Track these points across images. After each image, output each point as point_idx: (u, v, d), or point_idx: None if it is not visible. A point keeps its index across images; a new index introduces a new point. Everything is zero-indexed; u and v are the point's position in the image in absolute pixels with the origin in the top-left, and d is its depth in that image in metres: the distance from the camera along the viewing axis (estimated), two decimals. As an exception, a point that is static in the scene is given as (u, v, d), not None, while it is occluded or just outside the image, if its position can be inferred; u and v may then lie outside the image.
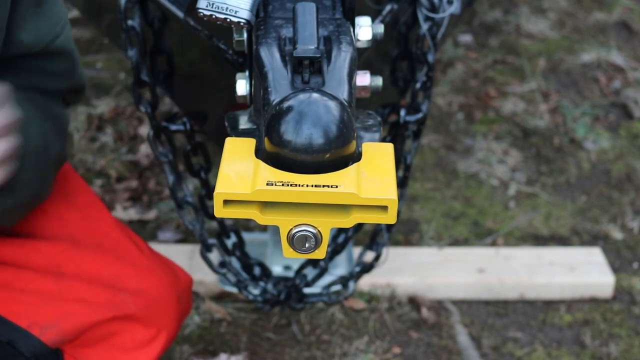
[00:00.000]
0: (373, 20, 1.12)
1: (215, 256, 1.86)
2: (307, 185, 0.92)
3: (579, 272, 2.18)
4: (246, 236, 1.90)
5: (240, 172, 0.95)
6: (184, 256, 2.13)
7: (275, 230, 2.06)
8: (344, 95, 0.98)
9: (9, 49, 1.19)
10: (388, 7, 1.58)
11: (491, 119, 2.78)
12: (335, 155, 0.93)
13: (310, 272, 1.84)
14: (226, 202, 0.93)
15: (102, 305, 1.31)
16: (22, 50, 1.20)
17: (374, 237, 1.82)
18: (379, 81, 1.10)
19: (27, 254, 1.33)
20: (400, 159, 1.70)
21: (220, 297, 2.11)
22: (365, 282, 2.12)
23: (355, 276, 1.87)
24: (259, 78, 1.02)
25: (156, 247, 2.11)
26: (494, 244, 2.31)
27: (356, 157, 0.97)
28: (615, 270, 2.25)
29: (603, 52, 3.09)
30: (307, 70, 0.99)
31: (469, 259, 2.20)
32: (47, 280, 1.31)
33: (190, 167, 1.65)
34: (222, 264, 1.78)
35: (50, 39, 1.22)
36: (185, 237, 2.29)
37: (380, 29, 1.12)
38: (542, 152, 2.65)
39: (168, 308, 1.38)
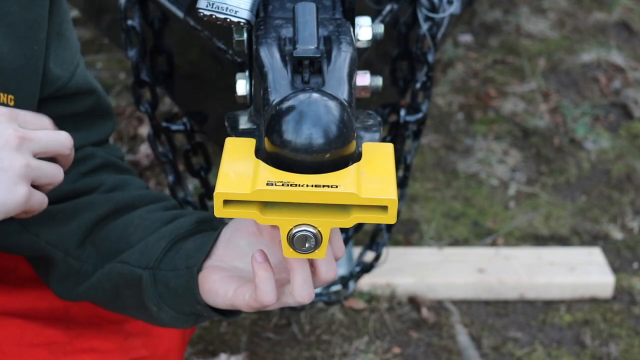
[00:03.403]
0: (373, 20, 1.12)
1: (215, 256, 1.86)
2: (307, 185, 0.92)
3: (579, 272, 2.18)
4: (246, 236, 1.89)
5: (240, 172, 0.95)
6: (184, 256, 2.13)
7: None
8: (344, 95, 0.98)
9: (44, 87, 1.16)
10: (388, 7, 1.58)
11: (491, 119, 2.78)
12: (335, 155, 0.93)
13: (310, 272, 1.83)
14: (226, 202, 0.93)
15: (112, 352, 1.28)
16: (53, 84, 1.17)
17: (374, 237, 1.82)
18: (379, 81, 1.10)
19: (33, 302, 1.28)
20: (400, 159, 1.70)
21: (220, 297, 2.11)
22: (365, 282, 2.12)
23: (355, 276, 1.87)
24: (258, 78, 1.02)
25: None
26: (494, 244, 2.31)
27: (356, 157, 0.97)
28: (615, 270, 2.25)
29: (603, 52, 3.09)
30: (307, 70, 0.99)
31: (469, 259, 2.20)
32: (56, 331, 1.27)
33: (190, 167, 1.65)
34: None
35: (73, 69, 1.20)
36: (185, 237, 2.29)
37: (380, 29, 1.12)
38: (542, 152, 2.65)
39: (175, 342, 1.35)
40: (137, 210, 1.21)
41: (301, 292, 1.02)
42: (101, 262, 1.19)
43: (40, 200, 0.98)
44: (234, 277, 1.09)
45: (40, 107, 1.17)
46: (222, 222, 1.21)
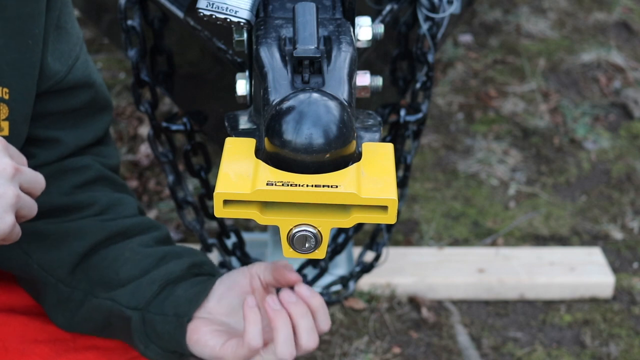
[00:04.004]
0: (373, 20, 1.12)
1: (215, 256, 1.86)
2: (307, 185, 0.92)
3: (579, 272, 2.18)
4: (246, 236, 1.90)
5: (240, 172, 0.95)
6: (184, 256, 2.13)
7: (275, 230, 2.06)
8: (344, 95, 0.98)
9: (42, 81, 1.16)
10: (388, 7, 1.58)
11: (491, 119, 2.78)
12: (335, 155, 0.93)
13: (310, 272, 1.84)
14: (226, 202, 0.93)
15: (115, 349, 1.28)
16: (51, 78, 1.17)
17: (374, 237, 1.82)
18: (379, 81, 1.10)
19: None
20: (400, 159, 1.70)
21: (220, 297, 2.11)
22: (365, 282, 2.12)
23: (355, 276, 1.87)
24: (259, 78, 1.02)
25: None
26: (494, 244, 2.31)
27: (356, 157, 0.97)
28: (615, 270, 2.25)
29: (603, 52, 3.09)
30: (307, 70, 0.98)
31: (469, 259, 2.20)
32: (59, 328, 1.27)
33: (190, 167, 1.65)
34: (222, 264, 1.78)
35: (72, 62, 1.19)
36: (185, 237, 2.29)
37: (380, 29, 1.12)
38: (542, 152, 2.65)
39: None
40: (128, 241, 1.23)
41: (282, 349, 1.09)
42: (90, 289, 1.22)
43: (18, 231, 1.01)
44: (222, 331, 1.15)
45: (38, 102, 1.17)
46: (214, 267, 1.25)
